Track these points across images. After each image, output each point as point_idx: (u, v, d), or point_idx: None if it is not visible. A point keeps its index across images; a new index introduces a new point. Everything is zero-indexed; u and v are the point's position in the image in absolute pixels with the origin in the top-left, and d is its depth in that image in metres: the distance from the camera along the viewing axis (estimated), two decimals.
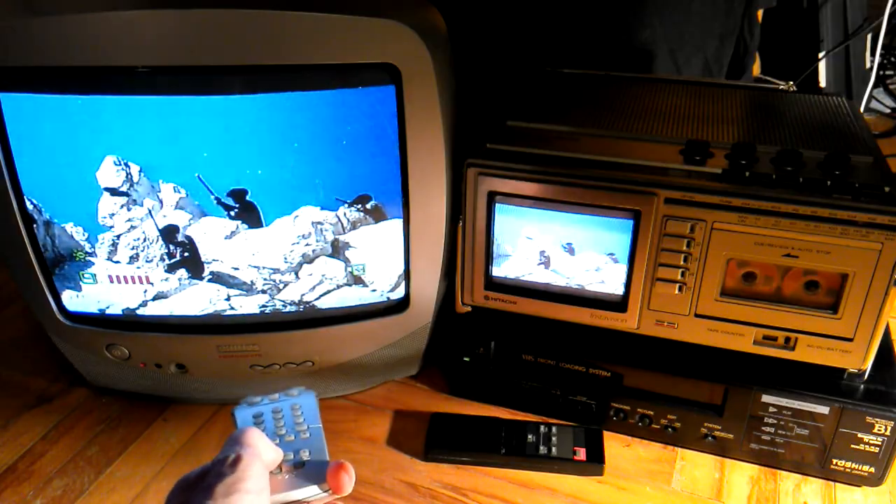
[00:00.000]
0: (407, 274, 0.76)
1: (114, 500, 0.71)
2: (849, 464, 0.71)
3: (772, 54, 1.37)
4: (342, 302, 0.76)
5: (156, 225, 0.69)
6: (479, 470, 0.74)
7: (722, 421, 0.73)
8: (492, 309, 0.78)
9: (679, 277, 0.69)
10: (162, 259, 0.71)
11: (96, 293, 0.73)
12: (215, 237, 0.70)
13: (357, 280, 0.75)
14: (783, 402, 0.70)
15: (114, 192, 0.67)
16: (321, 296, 0.75)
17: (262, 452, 0.46)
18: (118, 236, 0.70)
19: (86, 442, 0.78)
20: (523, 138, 0.74)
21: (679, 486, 0.73)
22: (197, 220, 0.69)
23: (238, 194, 0.68)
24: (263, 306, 0.74)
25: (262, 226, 0.70)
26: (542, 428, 0.76)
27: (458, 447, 0.75)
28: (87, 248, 0.70)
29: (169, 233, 0.70)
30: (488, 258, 0.75)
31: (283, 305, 0.75)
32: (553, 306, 0.75)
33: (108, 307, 0.74)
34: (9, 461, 0.76)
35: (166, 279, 0.72)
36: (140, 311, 0.74)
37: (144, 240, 0.70)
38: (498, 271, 0.75)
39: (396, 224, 0.72)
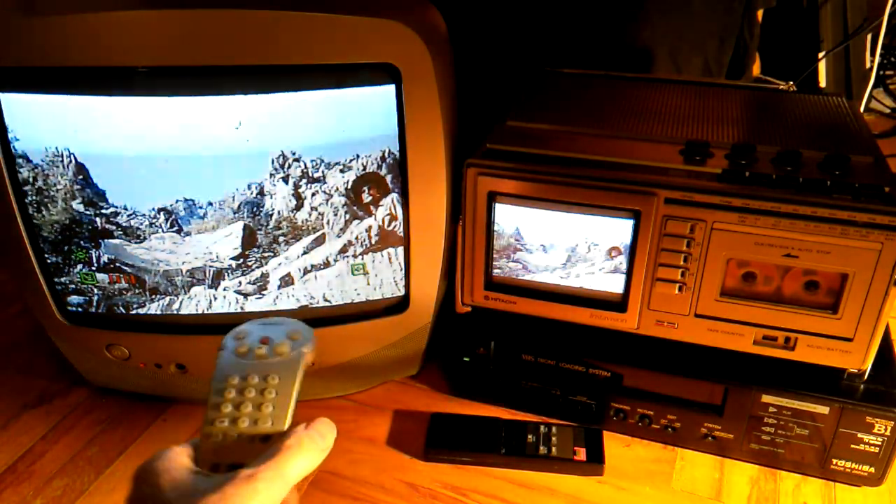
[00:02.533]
0: (407, 274, 0.76)
1: (114, 500, 0.71)
2: (849, 464, 0.71)
3: (772, 54, 1.37)
4: (342, 300, 0.76)
5: (156, 225, 0.69)
6: (479, 470, 0.74)
7: (722, 421, 0.73)
8: (492, 309, 0.78)
9: (679, 277, 0.69)
10: (163, 259, 0.71)
11: (96, 293, 0.73)
12: (214, 236, 0.70)
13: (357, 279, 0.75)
14: (783, 402, 0.70)
15: (112, 192, 0.67)
16: (321, 294, 0.75)
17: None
18: (118, 236, 0.70)
19: (86, 442, 0.78)
20: (523, 138, 0.74)
21: (679, 486, 0.73)
22: (196, 222, 0.69)
23: (239, 195, 0.68)
24: (260, 297, 0.75)
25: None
26: (542, 428, 0.76)
27: (458, 447, 0.75)
28: (88, 247, 0.70)
29: (168, 232, 0.70)
30: (488, 258, 0.75)
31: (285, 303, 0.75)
32: (553, 306, 0.75)
33: (108, 307, 0.74)
34: (9, 461, 0.76)
35: (167, 279, 0.72)
36: (140, 311, 0.74)
37: (146, 240, 0.70)
38: (499, 271, 0.75)
39: (396, 223, 0.73)
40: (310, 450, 0.44)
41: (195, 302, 0.74)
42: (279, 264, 0.73)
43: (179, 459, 0.43)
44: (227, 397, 0.49)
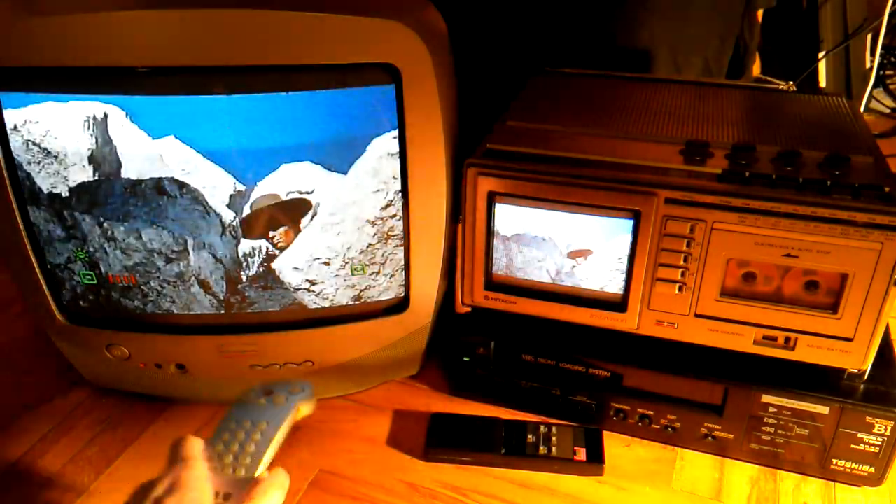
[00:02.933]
0: (407, 274, 0.76)
1: (114, 500, 0.71)
2: (849, 464, 0.71)
3: (772, 54, 1.37)
4: (341, 301, 0.76)
5: (157, 225, 0.69)
6: (479, 470, 0.74)
7: (722, 421, 0.73)
8: (492, 309, 0.78)
9: (679, 277, 0.69)
10: (163, 259, 0.71)
11: (96, 293, 0.73)
12: (216, 237, 0.70)
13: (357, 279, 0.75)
14: (783, 402, 0.70)
15: (113, 192, 0.67)
16: (321, 295, 0.75)
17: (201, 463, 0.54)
18: (118, 237, 0.70)
19: (86, 442, 0.78)
20: (523, 138, 0.74)
21: (679, 486, 0.73)
22: (195, 222, 0.69)
23: (239, 195, 0.68)
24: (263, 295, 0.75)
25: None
26: (542, 428, 0.76)
27: (458, 447, 0.75)
28: (88, 247, 0.70)
29: (168, 232, 0.70)
30: (488, 258, 0.75)
31: (284, 305, 0.75)
32: (553, 306, 0.75)
33: (108, 307, 0.74)
34: (9, 461, 0.76)
35: (167, 279, 0.72)
36: (140, 311, 0.74)
37: (146, 240, 0.70)
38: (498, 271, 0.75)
39: (396, 223, 0.73)
40: (273, 496, 0.54)
41: (195, 302, 0.74)
42: (280, 264, 0.73)
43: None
44: (223, 438, 0.58)
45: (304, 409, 0.62)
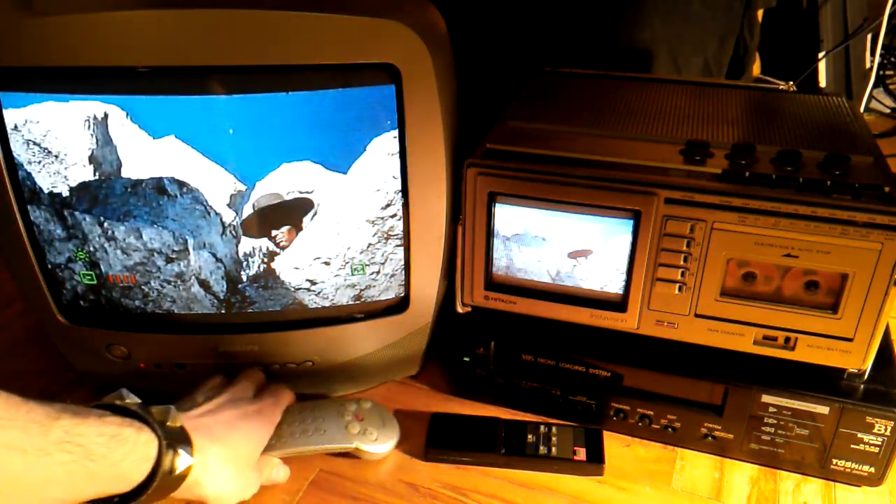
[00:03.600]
0: (407, 274, 0.76)
1: None
2: (849, 464, 0.71)
3: (772, 54, 1.37)
4: (341, 300, 0.76)
5: (157, 224, 0.69)
6: (479, 470, 0.74)
7: (722, 421, 0.73)
8: (492, 309, 0.78)
9: (679, 277, 0.69)
10: (163, 258, 0.71)
11: (96, 293, 0.73)
12: (216, 237, 0.70)
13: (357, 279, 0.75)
14: (783, 402, 0.70)
15: (113, 192, 0.67)
16: (321, 295, 0.75)
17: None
18: (118, 237, 0.70)
19: None
20: (523, 138, 0.74)
21: (679, 486, 0.73)
22: (196, 222, 0.69)
23: (239, 195, 0.68)
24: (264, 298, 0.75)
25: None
26: (542, 428, 0.76)
27: (458, 447, 0.75)
28: (89, 247, 0.70)
29: (168, 232, 0.70)
30: (488, 258, 0.75)
31: (284, 305, 0.75)
32: (553, 306, 0.75)
33: (108, 307, 0.74)
34: None
35: (167, 279, 0.72)
36: (140, 311, 0.74)
37: (146, 240, 0.70)
38: (498, 271, 0.75)
39: (396, 223, 0.73)
40: (265, 473, 0.69)
41: (196, 302, 0.74)
42: (280, 264, 0.73)
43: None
44: (296, 414, 0.73)
45: (366, 453, 0.73)
